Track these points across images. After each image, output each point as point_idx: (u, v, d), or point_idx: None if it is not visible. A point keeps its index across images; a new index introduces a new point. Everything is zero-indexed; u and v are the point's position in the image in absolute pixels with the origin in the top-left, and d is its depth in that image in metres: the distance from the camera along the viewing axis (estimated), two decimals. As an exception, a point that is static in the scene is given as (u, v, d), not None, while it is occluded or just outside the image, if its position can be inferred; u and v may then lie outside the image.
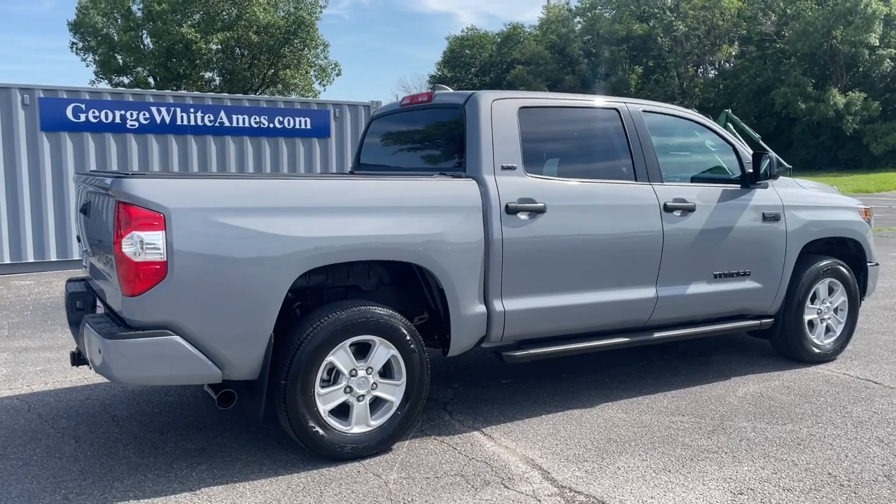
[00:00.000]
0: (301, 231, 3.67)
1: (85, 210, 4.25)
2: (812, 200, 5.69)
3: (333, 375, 3.89)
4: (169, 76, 46.32)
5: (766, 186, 5.41)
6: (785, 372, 5.56)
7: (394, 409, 4.04)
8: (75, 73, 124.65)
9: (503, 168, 4.37)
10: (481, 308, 4.27)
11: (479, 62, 58.81)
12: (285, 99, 12.67)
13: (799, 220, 5.49)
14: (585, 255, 4.58)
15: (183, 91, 12.19)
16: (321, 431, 3.81)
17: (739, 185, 5.31)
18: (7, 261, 10.33)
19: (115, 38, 48.73)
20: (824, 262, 5.70)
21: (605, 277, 4.68)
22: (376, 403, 4.03)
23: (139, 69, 49.56)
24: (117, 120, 10.81)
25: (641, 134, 4.95)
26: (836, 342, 5.86)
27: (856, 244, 5.97)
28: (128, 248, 3.36)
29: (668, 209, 4.88)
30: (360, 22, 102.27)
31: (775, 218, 5.38)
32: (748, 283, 5.31)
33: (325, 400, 3.84)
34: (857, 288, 5.93)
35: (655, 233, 4.83)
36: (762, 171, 5.21)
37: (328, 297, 4.13)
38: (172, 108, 11.21)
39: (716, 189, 5.20)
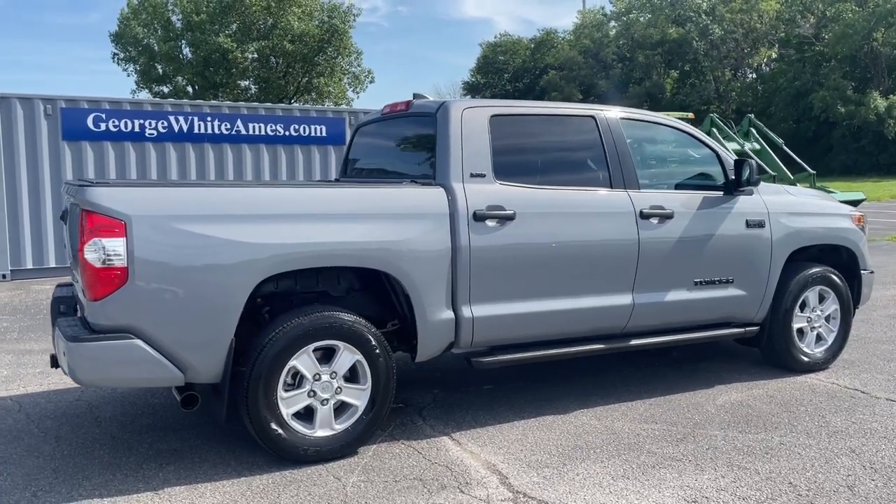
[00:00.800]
0: (260, 238, 3.77)
1: (63, 217, 4.41)
2: (800, 207, 5.62)
3: (298, 379, 3.97)
4: (206, 85, 47.18)
5: (750, 193, 5.37)
6: (772, 381, 5.50)
7: (359, 413, 4.11)
8: (119, 82, 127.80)
9: (472, 175, 4.42)
10: (449, 314, 4.32)
11: (512, 68, 58.77)
12: (301, 107, 12.90)
13: (785, 228, 5.44)
14: (557, 261, 4.60)
15: (200, 101, 12.42)
16: (283, 434, 3.89)
17: (722, 192, 5.28)
18: (29, 266, 10.67)
19: (156, 48, 49.85)
20: (814, 270, 5.63)
21: (578, 284, 4.70)
22: (342, 407, 4.11)
23: (178, 78, 50.62)
24: (136, 129, 11.10)
25: (618, 141, 4.95)
26: (828, 351, 5.78)
27: (848, 252, 5.88)
28: (90, 254, 3.49)
29: (644, 216, 4.87)
30: (398, 29, 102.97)
31: (759, 225, 5.33)
32: (731, 291, 5.28)
33: (289, 403, 3.93)
34: (850, 296, 5.83)
35: (630, 240, 4.83)
36: (743, 178, 5.17)
37: (297, 302, 4.21)
38: (190, 117, 11.47)
39: (696, 196, 5.18)
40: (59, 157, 10.74)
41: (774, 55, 53.59)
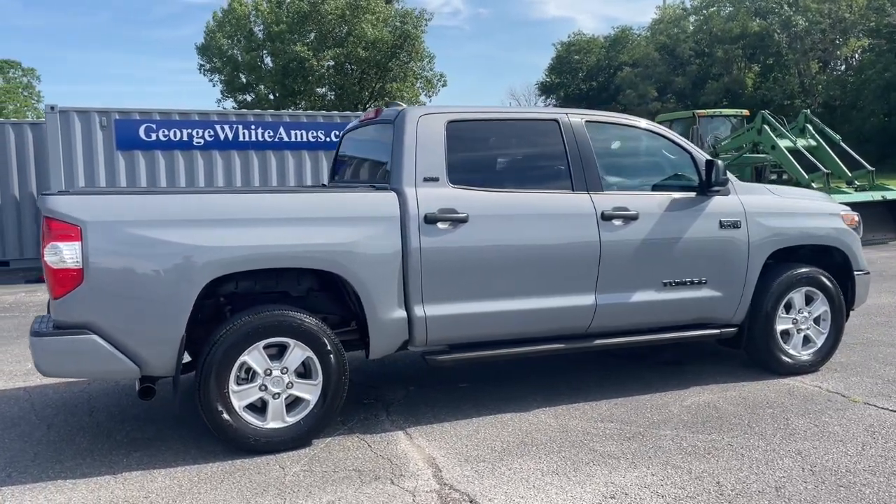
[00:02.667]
0: (206, 242, 4.04)
1: None
2: (781, 207, 5.53)
3: (250, 374, 4.24)
4: (285, 93, 48.71)
5: (726, 193, 5.33)
6: (752, 383, 5.44)
7: (311, 407, 4.35)
8: (205, 92, 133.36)
9: (426, 180, 4.60)
10: (401, 313, 4.50)
11: (586, 67, 58.15)
12: (341, 114, 13.27)
13: (764, 228, 5.37)
14: (512, 262, 4.71)
15: (245, 110, 13.00)
16: (235, 425, 4.16)
17: (695, 193, 5.27)
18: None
19: (239, 58, 51.81)
20: (798, 271, 5.53)
21: (536, 285, 4.79)
22: (296, 401, 4.35)
23: (261, 87, 52.46)
24: (184, 138, 11.74)
25: (581, 145, 5.02)
26: (817, 353, 5.66)
27: (839, 252, 5.73)
28: (49, 256, 3.85)
29: (606, 217, 4.93)
30: (479, 32, 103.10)
31: (734, 225, 5.29)
32: (705, 292, 5.25)
33: (241, 396, 4.20)
34: (842, 298, 5.69)
35: (591, 242, 4.89)
36: (712, 179, 5.15)
37: (258, 301, 4.48)
38: (235, 126, 12.03)
39: (664, 197, 5.18)
40: (114, 165, 11.47)
41: (865, 46, 51.10)
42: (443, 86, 49.89)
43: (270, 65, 50.73)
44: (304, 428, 4.32)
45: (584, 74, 58.25)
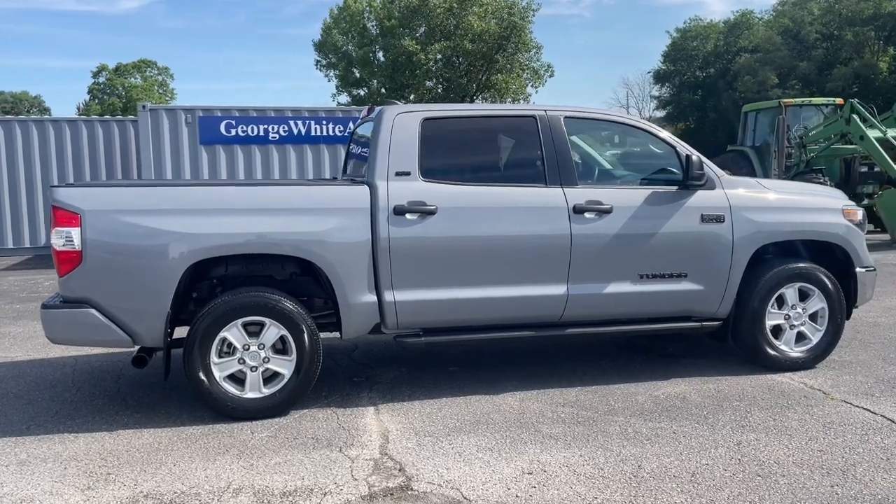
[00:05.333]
0: (189, 229, 4.56)
1: None
2: (771, 202, 5.49)
3: (231, 349, 4.73)
4: (394, 86, 49.90)
5: (712, 187, 5.36)
6: (737, 377, 5.45)
7: (285, 380, 4.80)
8: (322, 88, 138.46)
9: (397, 174, 4.94)
10: (371, 298, 4.88)
11: (702, 54, 56.09)
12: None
13: (750, 223, 5.36)
14: (480, 252, 4.98)
15: (317, 106, 13.67)
16: (215, 393, 4.67)
17: (677, 187, 5.33)
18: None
19: (353, 54, 53.58)
20: (790, 266, 5.48)
21: (506, 274, 5.04)
22: (274, 374, 4.81)
23: (373, 82, 54.04)
24: (261, 133, 12.56)
25: (558, 140, 5.20)
26: (812, 350, 5.58)
27: (839, 249, 5.61)
28: (55, 239, 4.48)
29: (578, 211, 5.10)
30: (602, 19, 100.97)
31: (717, 220, 5.31)
32: (685, 285, 5.32)
33: (222, 368, 4.70)
34: (841, 294, 5.57)
35: (561, 234, 5.07)
36: (689, 173, 5.20)
37: (245, 284, 4.97)
38: (307, 121, 12.74)
39: (642, 191, 5.28)
40: (198, 159, 12.44)
41: None
42: (550, 76, 49.65)
43: (382, 59, 52.18)
44: (279, 399, 4.78)
45: (701, 62, 56.20)
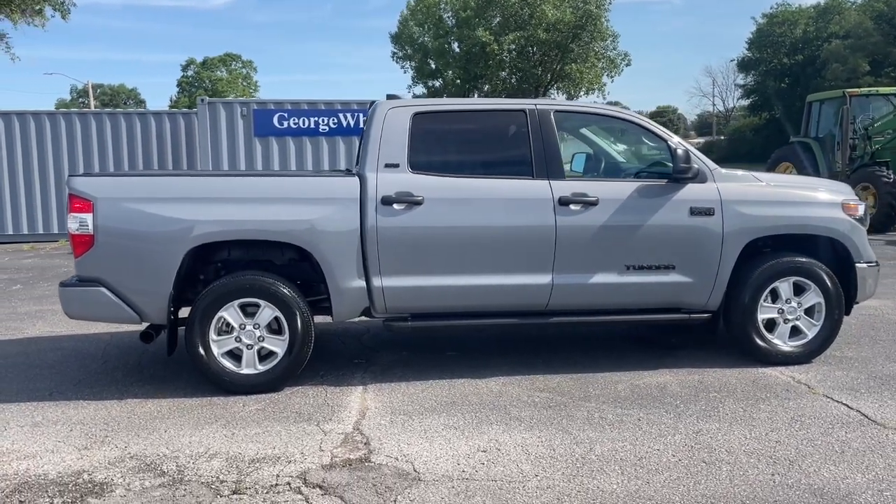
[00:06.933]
0: (190, 216, 4.94)
1: None
2: (764, 196, 5.47)
3: (229, 327, 5.10)
4: (468, 77, 50.11)
5: (703, 180, 5.40)
6: (727, 369, 5.49)
7: (279, 358, 5.13)
8: (397, 80, 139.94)
9: (387, 166, 5.19)
10: (360, 283, 5.15)
11: (789, 40, 54.01)
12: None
13: (742, 216, 5.37)
14: (465, 241, 5.18)
15: (367, 99, 13.98)
16: (214, 368, 5.05)
17: (666, 180, 5.38)
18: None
19: (428, 45, 54.05)
20: (784, 259, 5.46)
21: (491, 262, 5.22)
22: (270, 353, 5.15)
23: (448, 73, 54.39)
24: (312, 125, 13.03)
25: (546, 134, 5.34)
26: (807, 345, 5.55)
27: (838, 243, 5.54)
28: (71, 224, 4.94)
29: (563, 203, 5.23)
30: (684, 6, 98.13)
31: (707, 213, 5.35)
32: (673, 277, 5.38)
33: (220, 345, 5.07)
34: (839, 289, 5.51)
35: (546, 225, 5.22)
36: (675, 166, 5.25)
37: (249, 268, 5.32)
38: (356, 114, 13.14)
39: (629, 184, 5.38)
40: (252, 150, 13.02)
41: None
42: (627, 65, 48.85)
43: (457, 50, 52.46)
44: (273, 376, 5.12)
45: (788, 49, 54.14)
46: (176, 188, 5.10)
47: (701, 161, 5.44)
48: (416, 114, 5.30)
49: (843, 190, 5.86)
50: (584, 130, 6.22)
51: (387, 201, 5.11)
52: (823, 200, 5.59)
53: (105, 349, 6.44)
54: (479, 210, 5.20)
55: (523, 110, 5.41)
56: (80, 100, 73.80)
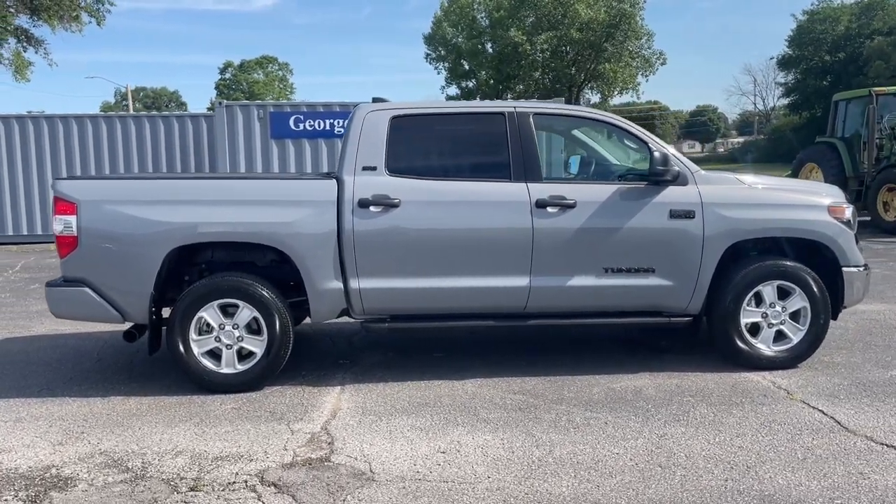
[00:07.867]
0: (169, 218, 5.06)
1: None
2: (746, 199, 5.40)
3: (209, 327, 5.20)
4: (500, 77, 50.07)
5: (684, 183, 5.35)
6: (708, 374, 5.43)
7: (258, 357, 5.22)
8: (431, 81, 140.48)
9: (364, 168, 5.25)
10: (337, 284, 5.22)
11: (831, 37, 52.81)
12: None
13: (723, 219, 5.31)
14: (442, 244, 5.22)
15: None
16: (194, 367, 5.16)
17: (646, 183, 5.35)
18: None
19: (462, 46, 54.12)
20: (768, 263, 5.38)
21: (468, 265, 5.25)
22: (250, 353, 5.24)
23: (481, 73, 54.40)
24: (327, 127, 13.17)
25: (525, 137, 5.34)
26: (792, 350, 5.46)
27: (824, 246, 5.44)
28: (56, 226, 5.09)
29: (540, 205, 5.23)
30: (721, 3, 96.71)
31: (687, 216, 5.30)
32: (653, 280, 5.34)
33: (200, 345, 5.18)
34: (825, 294, 5.41)
35: (523, 227, 5.23)
36: (651, 169, 5.21)
37: (232, 269, 5.42)
38: (371, 116, 13.21)
39: (608, 186, 5.35)
40: (268, 152, 13.20)
41: None
42: (662, 64, 48.33)
43: (490, 51, 52.44)
44: (252, 375, 5.21)
45: (829, 46, 52.93)
46: (157, 191, 5.22)
47: (682, 163, 5.39)
48: (395, 117, 5.35)
49: (831, 193, 5.74)
50: (576, 132, 6.21)
51: (363, 204, 5.16)
52: (809, 203, 5.49)
53: (101, 348, 6.61)
54: (456, 212, 5.23)
55: (502, 113, 5.41)
56: (123, 102, 75.52)
